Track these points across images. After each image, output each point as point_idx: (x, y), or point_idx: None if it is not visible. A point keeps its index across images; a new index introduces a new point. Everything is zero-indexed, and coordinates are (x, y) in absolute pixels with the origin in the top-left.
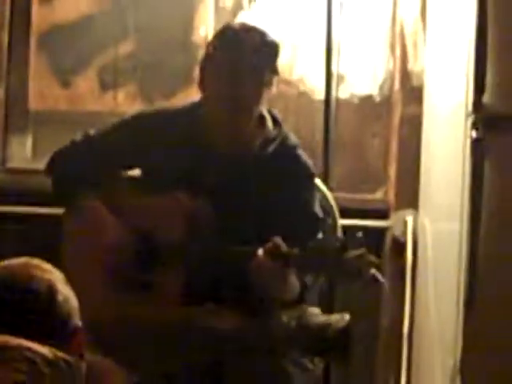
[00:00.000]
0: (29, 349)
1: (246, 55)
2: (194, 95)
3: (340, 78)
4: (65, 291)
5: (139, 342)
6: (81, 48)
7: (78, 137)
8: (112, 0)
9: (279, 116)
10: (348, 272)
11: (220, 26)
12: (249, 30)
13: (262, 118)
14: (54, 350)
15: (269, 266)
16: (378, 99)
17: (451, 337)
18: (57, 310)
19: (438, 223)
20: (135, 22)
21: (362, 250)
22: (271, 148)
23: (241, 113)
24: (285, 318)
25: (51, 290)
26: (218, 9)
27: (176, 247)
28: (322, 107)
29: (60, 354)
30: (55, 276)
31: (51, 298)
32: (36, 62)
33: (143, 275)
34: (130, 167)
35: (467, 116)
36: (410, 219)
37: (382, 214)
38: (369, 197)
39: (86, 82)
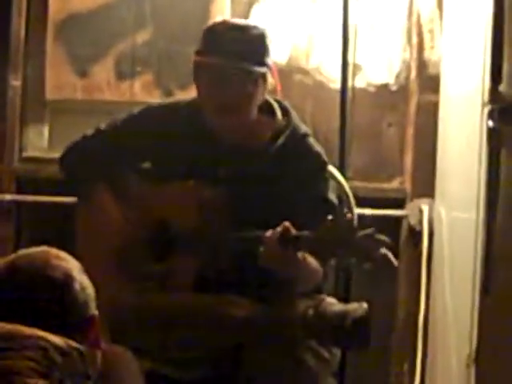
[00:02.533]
0: (41, 338)
1: (227, 58)
2: None
3: (356, 67)
4: (81, 280)
5: (153, 330)
6: (97, 37)
7: (90, 131)
8: None
9: (288, 105)
10: (358, 252)
11: (236, 15)
12: (230, 30)
13: (270, 107)
14: (66, 339)
15: (278, 251)
16: (394, 88)
17: (467, 326)
18: (73, 298)
19: (454, 212)
20: (152, 12)
21: (371, 230)
22: (282, 138)
23: (234, 115)
24: (302, 307)
25: (68, 279)
26: None
27: (189, 235)
28: (338, 96)
29: (73, 343)
30: (72, 265)
31: (68, 287)
32: (53, 52)
33: (157, 263)
34: (140, 160)
35: (483, 105)
36: (426, 208)
37: (398, 203)
38: (385, 186)
39: (102, 72)
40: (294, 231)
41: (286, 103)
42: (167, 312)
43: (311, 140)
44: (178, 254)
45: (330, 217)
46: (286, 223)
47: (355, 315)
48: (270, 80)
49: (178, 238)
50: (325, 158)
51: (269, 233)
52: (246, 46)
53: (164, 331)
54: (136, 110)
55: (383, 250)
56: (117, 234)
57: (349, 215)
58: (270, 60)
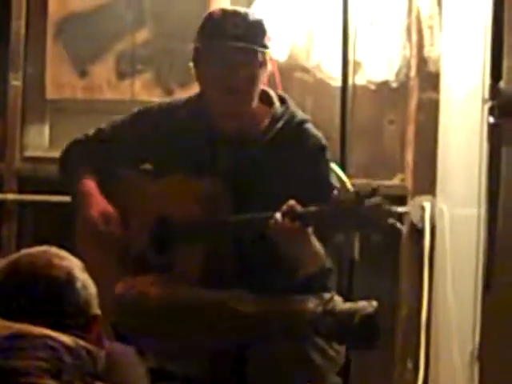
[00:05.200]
0: (51, 337)
1: (231, 43)
2: None
3: (356, 65)
4: (83, 279)
5: (158, 324)
6: (97, 36)
7: (91, 131)
8: None
9: (286, 95)
10: (366, 221)
11: None
12: (230, 16)
13: (268, 97)
14: (75, 338)
15: (288, 225)
16: (394, 85)
17: (469, 323)
18: (75, 297)
19: (456, 208)
20: (151, 11)
21: (379, 199)
22: (279, 124)
23: (239, 99)
24: (311, 305)
25: (70, 278)
26: None
27: (192, 228)
28: (338, 94)
29: (81, 342)
30: (74, 264)
31: (70, 286)
32: (53, 51)
33: (160, 257)
34: (139, 161)
35: (484, 101)
36: (427, 205)
37: (400, 200)
38: (386, 183)
39: (102, 71)
40: (299, 208)
41: (284, 93)
42: (172, 307)
43: (309, 125)
44: (179, 248)
45: (335, 192)
46: (291, 201)
47: (363, 313)
48: (269, 67)
49: (179, 231)
50: (323, 141)
51: (277, 213)
52: (248, 29)
53: (169, 326)
54: (135, 110)
55: (391, 220)
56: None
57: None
58: (269, 43)
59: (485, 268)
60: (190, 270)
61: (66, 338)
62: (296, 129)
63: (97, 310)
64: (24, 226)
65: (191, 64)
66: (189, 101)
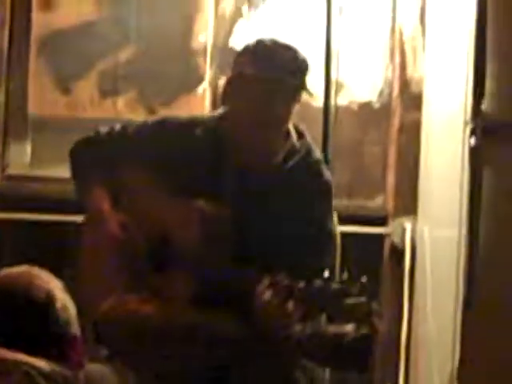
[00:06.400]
0: (25, 363)
1: (280, 74)
2: (193, 102)
3: (339, 85)
4: (64, 300)
5: (146, 342)
6: (81, 54)
7: (103, 130)
8: (112, 6)
9: (304, 129)
10: (346, 317)
11: (219, 33)
12: (281, 48)
13: (286, 130)
14: (50, 363)
15: (273, 304)
16: (377, 106)
17: (449, 343)
18: (55, 317)
19: (437, 230)
20: (135, 29)
21: (362, 299)
22: (294, 160)
23: (271, 131)
24: (298, 325)
25: (50, 298)
26: (217, 16)
27: (187, 252)
28: (321, 114)
29: (57, 367)
30: (54, 284)
31: (50, 306)
32: (36, 68)
33: (154, 276)
34: (148, 171)
35: (466, 123)
36: (408, 226)
37: (381, 221)
38: (367, 203)
39: (85, 89)
40: (286, 281)
41: (302, 127)
42: (158, 325)
43: (323, 167)
44: (176, 269)
45: (326, 273)
46: (281, 276)
47: (353, 336)
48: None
49: (178, 253)
50: (332, 187)
51: (265, 280)
52: (297, 66)
53: (155, 345)
54: (150, 120)
55: (373, 319)
56: (115, 244)
57: (344, 275)
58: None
59: (465, 288)
60: (181, 294)
61: (40, 363)
62: (309, 168)
63: (77, 331)
64: (4, 245)
65: (225, 82)
66: (207, 122)
